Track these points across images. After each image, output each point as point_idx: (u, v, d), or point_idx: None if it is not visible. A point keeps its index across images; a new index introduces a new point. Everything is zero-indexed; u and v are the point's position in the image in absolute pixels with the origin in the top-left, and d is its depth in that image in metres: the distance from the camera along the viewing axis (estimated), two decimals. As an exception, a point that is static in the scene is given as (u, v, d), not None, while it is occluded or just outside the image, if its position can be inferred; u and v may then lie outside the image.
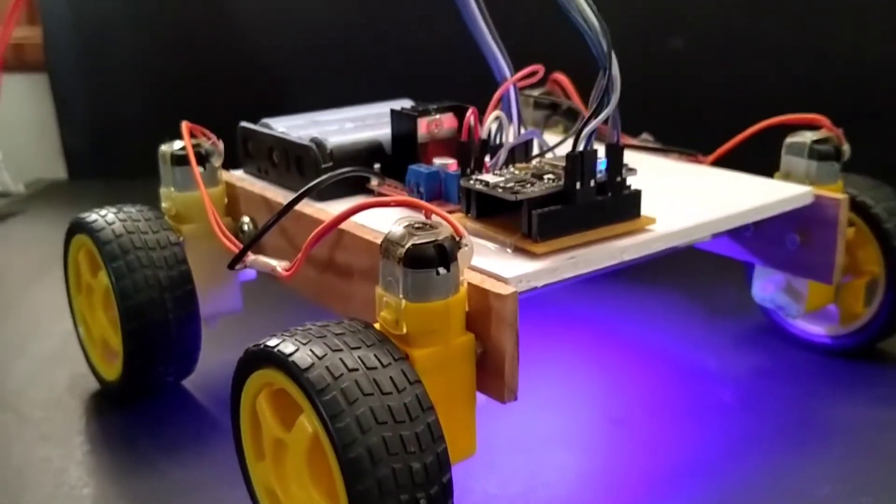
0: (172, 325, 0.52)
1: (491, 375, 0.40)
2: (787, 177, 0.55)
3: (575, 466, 0.49)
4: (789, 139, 0.55)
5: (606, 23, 0.40)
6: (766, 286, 0.58)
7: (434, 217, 0.39)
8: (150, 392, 0.57)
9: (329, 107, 0.62)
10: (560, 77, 0.71)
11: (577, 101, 0.69)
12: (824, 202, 0.52)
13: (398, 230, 0.38)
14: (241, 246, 0.50)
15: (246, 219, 0.56)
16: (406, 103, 0.64)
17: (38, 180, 1.13)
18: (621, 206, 0.45)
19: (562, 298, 0.70)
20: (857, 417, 0.53)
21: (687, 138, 0.63)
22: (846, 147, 0.55)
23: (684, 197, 0.51)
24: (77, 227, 0.55)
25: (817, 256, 0.53)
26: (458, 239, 0.38)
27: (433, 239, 0.37)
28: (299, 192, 0.47)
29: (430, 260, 0.37)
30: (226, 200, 0.57)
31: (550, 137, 0.57)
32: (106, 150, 1.14)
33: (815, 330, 0.61)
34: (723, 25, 1.01)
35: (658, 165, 0.59)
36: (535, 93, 0.71)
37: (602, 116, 0.41)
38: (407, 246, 0.37)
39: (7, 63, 1.01)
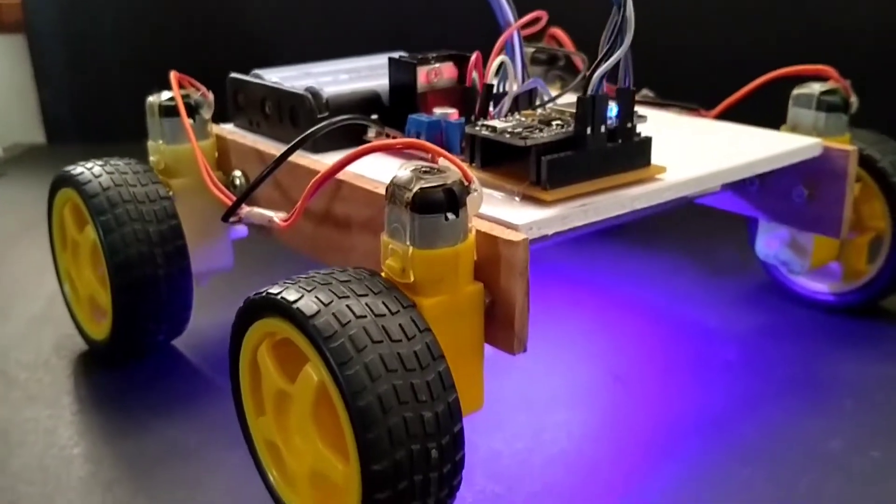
0: (163, 282, 0.50)
1: (500, 326, 0.38)
2: (795, 129, 0.54)
3: (579, 423, 0.48)
4: (797, 91, 0.54)
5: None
6: (771, 242, 0.57)
7: (441, 161, 0.38)
8: (139, 352, 0.55)
9: (316, 60, 0.60)
10: (557, 32, 0.69)
11: (568, 45, 0.68)
12: (833, 154, 0.51)
13: (405, 174, 0.36)
14: (235, 198, 0.48)
15: (237, 172, 0.54)
16: (400, 54, 0.62)
17: (16, 145, 1.10)
18: (632, 153, 0.44)
19: (561, 258, 0.68)
20: (863, 374, 0.52)
21: (687, 96, 0.61)
22: (854, 99, 0.54)
23: (691, 148, 0.50)
24: (62, 181, 0.53)
25: (825, 210, 0.52)
26: (466, 184, 0.37)
27: (442, 183, 0.35)
28: (295, 140, 0.45)
29: (439, 204, 0.35)
30: (216, 154, 0.56)
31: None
32: (85, 114, 1.11)
33: (818, 287, 0.60)
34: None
35: (661, 119, 0.57)
36: (530, 51, 0.69)
37: (615, 57, 0.40)
38: (415, 190, 0.35)
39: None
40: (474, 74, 0.51)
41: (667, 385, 0.51)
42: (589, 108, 0.41)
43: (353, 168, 0.46)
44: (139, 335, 0.52)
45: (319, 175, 0.40)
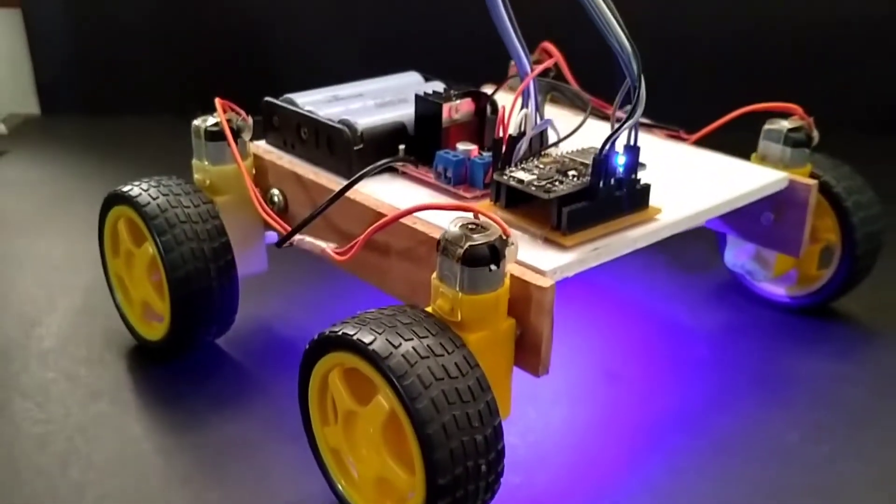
0: (216, 292, 0.57)
1: (527, 353, 0.46)
2: (764, 159, 0.62)
3: (580, 418, 0.56)
4: (767, 126, 0.62)
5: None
6: (739, 254, 0.66)
7: (483, 217, 0.45)
8: (189, 350, 0.61)
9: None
10: (549, 46, 0.75)
11: (565, 70, 0.74)
12: (797, 186, 0.60)
13: (455, 231, 0.43)
14: (284, 224, 0.55)
15: (276, 191, 0.60)
16: (414, 76, 0.68)
17: (12, 115, 1.13)
18: (634, 198, 0.51)
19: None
20: (816, 371, 0.61)
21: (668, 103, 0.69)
22: (816, 134, 0.62)
23: (680, 184, 0.57)
24: (118, 199, 0.58)
25: (788, 232, 0.61)
26: (505, 238, 0.44)
27: (487, 240, 0.43)
28: (351, 179, 0.53)
29: (485, 259, 0.42)
30: (254, 172, 0.61)
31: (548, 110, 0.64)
32: (80, 86, 1.15)
33: (777, 290, 0.69)
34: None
35: (647, 145, 0.64)
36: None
37: (628, 125, 0.47)
38: (465, 247, 0.42)
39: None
40: (487, 111, 0.58)
41: (651, 382, 0.60)
42: (602, 167, 0.48)
43: (390, 201, 0.53)
44: (192, 337, 0.59)
45: (379, 223, 0.47)
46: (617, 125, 0.47)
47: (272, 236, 0.64)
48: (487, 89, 0.76)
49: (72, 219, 0.84)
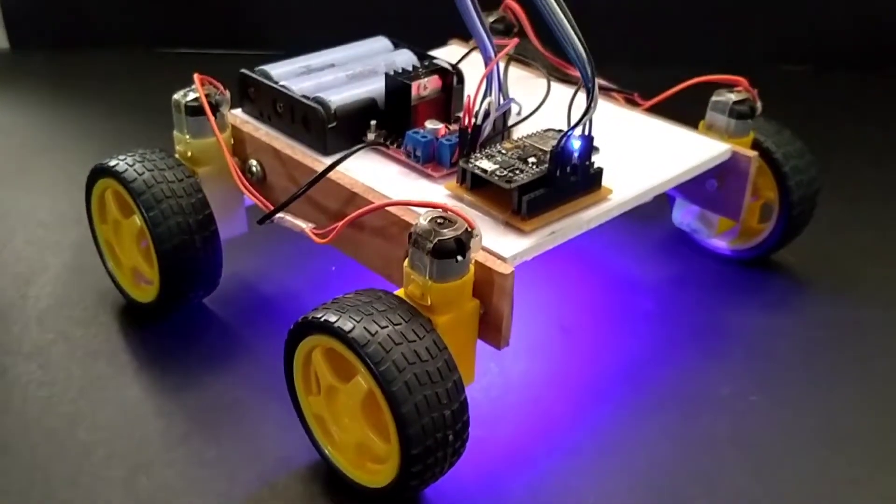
0: (202, 260, 0.61)
1: (490, 329, 0.52)
2: (710, 129, 0.67)
3: (537, 371, 0.62)
4: (714, 98, 0.66)
5: None
6: (685, 215, 0.71)
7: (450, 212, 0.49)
8: (178, 310, 0.66)
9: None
10: (513, 4, 0.78)
11: (527, 28, 0.77)
12: (739, 157, 0.64)
13: (425, 225, 0.48)
14: (262, 197, 0.59)
15: (253, 162, 0.64)
16: (382, 41, 0.71)
17: (-22, 50, 1.14)
18: (588, 182, 0.56)
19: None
20: (751, 324, 0.67)
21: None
22: (759, 105, 0.66)
23: (631, 158, 0.62)
24: (104, 172, 0.62)
25: (729, 198, 0.66)
26: (470, 231, 0.48)
27: (454, 234, 0.47)
28: (330, 164, 0.56)
29: (452, 252, 0.47)
30: (232, 142, 0.65)
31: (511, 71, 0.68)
32: (50, 19, 1.14)
33: (720, 244, 0.74)
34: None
35: (603, 114, 0.68)
36: (490, 20, 0.78)
37: (582, 122, 0.52)
38: (434, 241, 0.47)
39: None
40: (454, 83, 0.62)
41: (601, 334, 0.66)
42: (559, 158, 0.53)
43: (364, 179, 0.58)
44: (181, 300, 0.63)
45: (359, 211, 0.51)
46: (571, 123, 0.51)
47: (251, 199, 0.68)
48: (456, 47, 0.80)
49: (53, 170, 0.87)
